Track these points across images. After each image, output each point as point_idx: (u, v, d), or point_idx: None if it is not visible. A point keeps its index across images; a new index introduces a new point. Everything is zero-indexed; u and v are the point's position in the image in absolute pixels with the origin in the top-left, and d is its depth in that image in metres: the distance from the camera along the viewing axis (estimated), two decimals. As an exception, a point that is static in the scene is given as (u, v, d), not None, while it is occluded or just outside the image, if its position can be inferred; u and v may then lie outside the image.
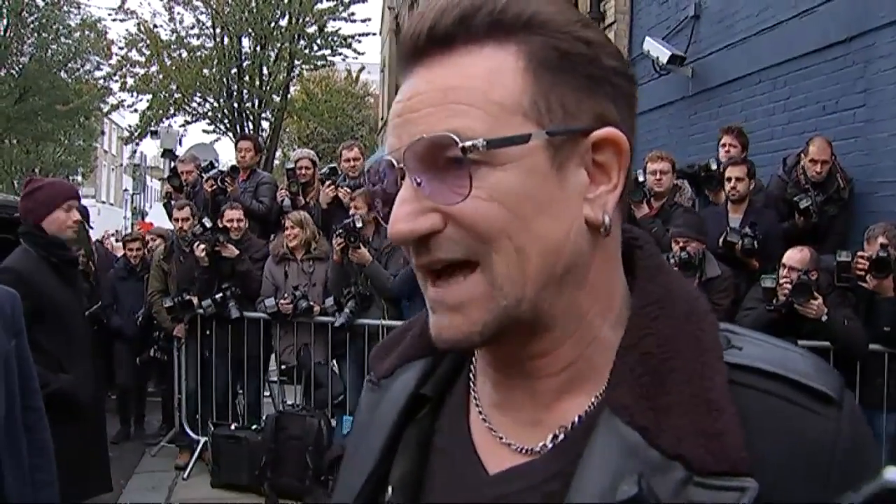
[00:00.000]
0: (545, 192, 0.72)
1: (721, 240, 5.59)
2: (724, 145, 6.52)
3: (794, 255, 5.03)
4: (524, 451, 0.78)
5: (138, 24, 18.23)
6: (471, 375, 0.87)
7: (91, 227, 10.11)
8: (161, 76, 18.21)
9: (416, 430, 0.86)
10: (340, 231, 6.14)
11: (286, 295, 6.35)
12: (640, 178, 6.11)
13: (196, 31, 18.63)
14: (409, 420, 0.87)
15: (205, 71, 18.47)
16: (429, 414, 0.86)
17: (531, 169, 0.71)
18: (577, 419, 0.76)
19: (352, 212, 6.38)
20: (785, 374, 0.72)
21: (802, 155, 5.94)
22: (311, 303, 6.34)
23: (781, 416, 0.70)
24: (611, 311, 0.78)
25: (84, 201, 4.48)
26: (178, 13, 18.47)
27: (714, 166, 6.28)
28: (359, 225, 6.12)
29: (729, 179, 5.85)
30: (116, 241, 11.80)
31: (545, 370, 0.78)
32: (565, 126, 0.73)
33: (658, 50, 8.85)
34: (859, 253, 4.92)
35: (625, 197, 0.78)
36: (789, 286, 4.85)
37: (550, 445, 0.77)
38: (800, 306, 4.81)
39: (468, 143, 0.69)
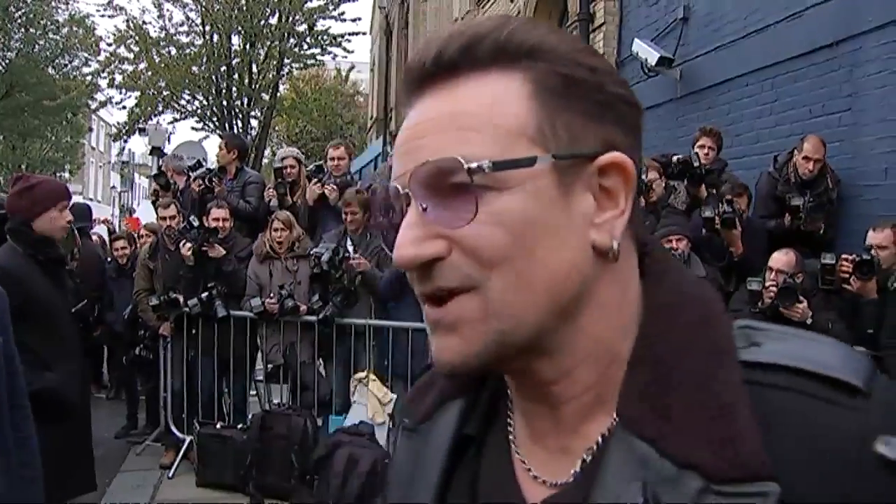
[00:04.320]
0: (551, 217, 0.71)
1: (701, 216, 5.60)
2: (702, 146, 6.52)
3: (780, 258, 5.06)
4: (557, 485, 0.77)
5: (127, 21, 18.21)
6: (509, 408, 0.85)
7: (92, 225, 10.17)
8: (150, 73, 18.20)
9: (467, 472, 0.84)
10: (315, 261, 6.22)
11: (272, 294, 6.35)
12: (643, 177, 6.04)
13: (185, 28, 18.68)
14: (456, 461, 0.84)
15: (194, 68, 18.47)
16: (475, 454, 0.84)
17: (537, 193, 0.70)
18: (600, 439, 0.75)
19: (344, 214, 6.44)
20: (805, 367, 0.70)
21: (795, 152, 5.97)
22: (297, 302, 6.34)
23: (803, 412, 0.67)
24: (627, 328, 0.76)
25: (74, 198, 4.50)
26: (168, 10, 18.50)
27: (696, 163, 6.26)
28: (325, 259, 6.17)
29: (730, 201, 5.79)
30: (110, 232, 11.69)
31: (565, 394, 0.77)
32: (571, 150, 0.72)
33: (647, 52, 8.89)
34: (843, 256, 4.95)
35: (635, 221, 0.76)
36: (775, 289, 4.88)
37: (580, 471, 0.75)
38: (785, 309, 4.84)
39: (474, 165, 0.69)
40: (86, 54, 23.47)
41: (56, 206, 3.94)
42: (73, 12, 24.05)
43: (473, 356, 0.73)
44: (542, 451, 0.79)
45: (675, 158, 6.37)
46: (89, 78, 20.43)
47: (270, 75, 19.09)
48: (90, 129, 38.38)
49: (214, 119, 19.09)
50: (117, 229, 16.98)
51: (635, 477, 0.67)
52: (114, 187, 51.45)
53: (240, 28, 18.26)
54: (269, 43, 18.56)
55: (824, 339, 0.75)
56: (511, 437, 0.83)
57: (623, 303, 0.77)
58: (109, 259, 8.82)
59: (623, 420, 0.71)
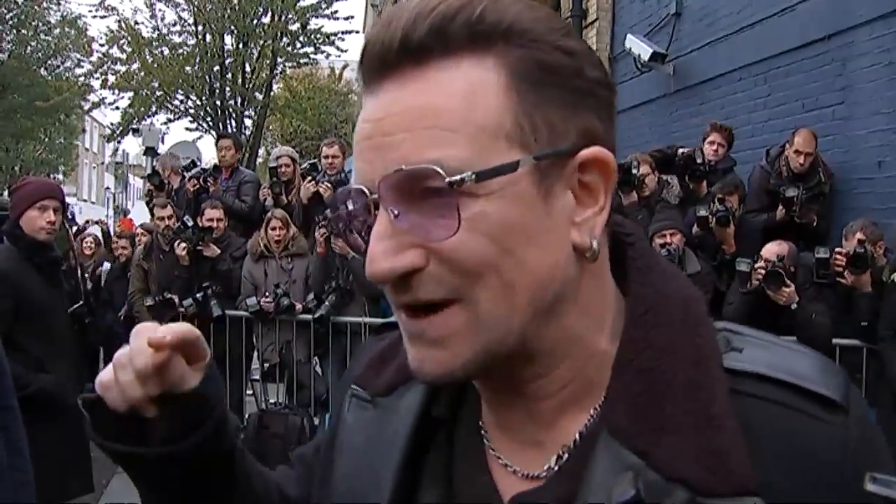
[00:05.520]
0: (533, 221, 0.67)
1: (696, 215, 5.61)
2: (711, 142, 6.52)
3: (773, 249, 5.07)
4: (529, 476, 0.75)
5: (119, 21, 18.14)
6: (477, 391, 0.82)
7: (77, 225, 10.13)
8: (143, 74, 18.13)
9: (439, 457, 0.81)
10: (323, 222, 6.15)
11: (267, 293, 6.34)
12: (635, 171, 6.00)
13: (178, 28, 18.59)
14: (423, 445, 0.81)
15: (187, 68, 18.41)
16: (446, 437, 0.82)
17: (518, 197, 0.66)
18: (577, 437, 0.74)
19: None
20: (788, 379, 0.69)
21: (787, 145, 5.99)
22: (293, 301, 6.34)
23: (785, 425, 0.67)
24: (604, 326, 0.75)
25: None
26: (160, 10, 18.42)
27: (700, 159, 6.25)
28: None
29: (722, 200, 5.78)
30: (105, 234, 11.59)
31: (542, 392, 0.75)
32: (552, 148, 0.68)
33: (640, 47, 8.89)
34: (837, 249, 4.97)
35: (611, 217, 0.73)
36: (763, 271, 4.91)
37: (556, 468, 0.74)
38: (771, 292, 4.86)
39: (456, 178, 0.64)
40: (78, 55, 23.40)
41: (35, 206, 3.89)
42: (64, 13, 24.05)
43: (460, 368, 0.70)
44: (512, 441, 0.78)
45: (680, 152, 6.36)
46: (82, 79, 20.32)
47: (264, 74, 19.02)
48: (83, 131, 38.27)
49: (208, 119, 19.03)
50: (111, 231, 16.96)
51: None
52: (108, 188, 51.41)
53: (232, 27, 18.20)
54: (262, 42, 18.49)
55: (803, 349, 0.75)
56: (480, 422, 0.81)
57: (600, 299, 0.75)
58: (113, 259, 8.93)
59: (611, 429, 0.69)
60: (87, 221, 17.14)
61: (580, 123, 0.70)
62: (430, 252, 0.67)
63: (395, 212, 0.67)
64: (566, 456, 0.74)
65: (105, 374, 0.82)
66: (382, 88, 0.69)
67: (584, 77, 0.70)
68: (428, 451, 0.82)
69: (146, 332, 0.82)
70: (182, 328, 0.83)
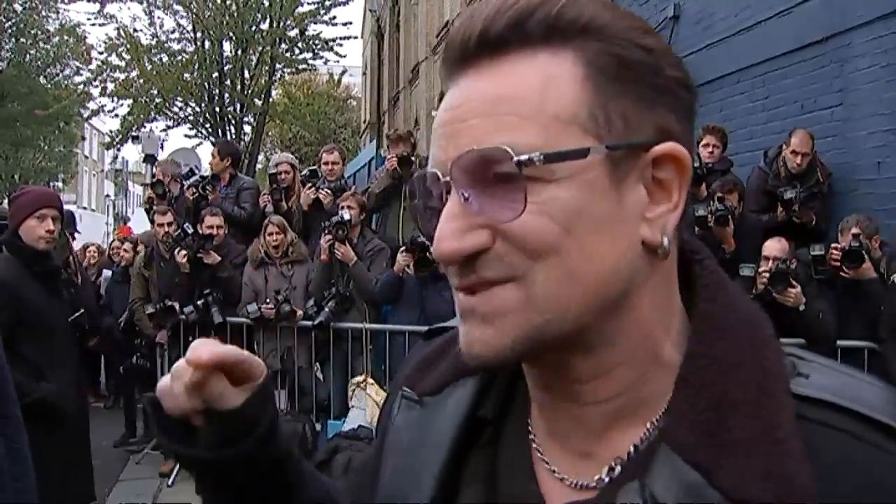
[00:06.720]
0: (602, 210, 0.67)
1: (694, 214, 5.61)
2: (706, 145, 6.53)
3: (774, 245, 5.08)
4: (579, 486, 0.74)
5: (118, 29, 18.16)
6: (527, 395, 0.81)
7: (78, 233, 10.13)
8: (142, 81, 18.14)
9: (483, 458, 0.80)
10: (328, 226, 6.15)
11: (268, 300, 6.34)
12: None
13: (176, 35, 18.57)
14: (468, 445, 0.81)
15: (186, 75, 18.41)
16: (492, 439, 0.81)
17: (588, 185, 0.66)
18: (632, 449, 0.72)
19: (340, 210, 6.39)
20: (855, 407, 0.67)
21: (784, 146, 6.01)
22: (294, 307, 6.34)
23: (851, 455, 0.65)
24: (670, 331, 0.73)
25: (65, 207, 4.42)
26: (159, 17, 18.42)
27: (696, 163, 6.26)
28: (346, 217, 6.14)
29: (721, 198, 5.79)
30: (101, 253, 11.60)
31: (594, 396, 0.73)
32: (626, 140, 0.68)
33: (639, 51, 8.92)
34: (833, 245, 4.98)
35: (686, 216, 0.72)
36: (768, 275, 4.91)
37: (607, 479, 0.72)
38: (778, 294, 4.85)
39: (524, 157, 0.64)
40: (77, 63, 23.40)
41: (33, 215, 3.89)
42: (63, 21, 24.00)
43: (508, 349, 0.69)
44: (560, 448, 0.76)
45: None
46: (81, 87, 20.34)
47: (262, 81, 19.01)
48: (83, 138, 38.27)
49: (207, 125, 19.01)
50: (108, 237, 16.95)
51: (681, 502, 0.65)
52: (108, 196, 51.43)
53: (231, 34, 18.20)
54: (260, 48, 18.50)
55: (872, 379, 0.73)
56: (529, 426, 0.80)
57: (668, 301, 0.74)
58: (116, 265, 9.00)
59: (672, 442, 0.67)
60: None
61: (656, 120, 0.69)
62: (497, 233, 0.67)
63: (466, 194, 0.68)
64: (619, 468, 0.72)
65: (164, 381, 0.88)
66: (462, 78, 0.71)
67: (664, 75, 0.70)
68: (472, 451, 0.81)
69: (197, 349, 0.86)
70: (224, 350, 0.86)
